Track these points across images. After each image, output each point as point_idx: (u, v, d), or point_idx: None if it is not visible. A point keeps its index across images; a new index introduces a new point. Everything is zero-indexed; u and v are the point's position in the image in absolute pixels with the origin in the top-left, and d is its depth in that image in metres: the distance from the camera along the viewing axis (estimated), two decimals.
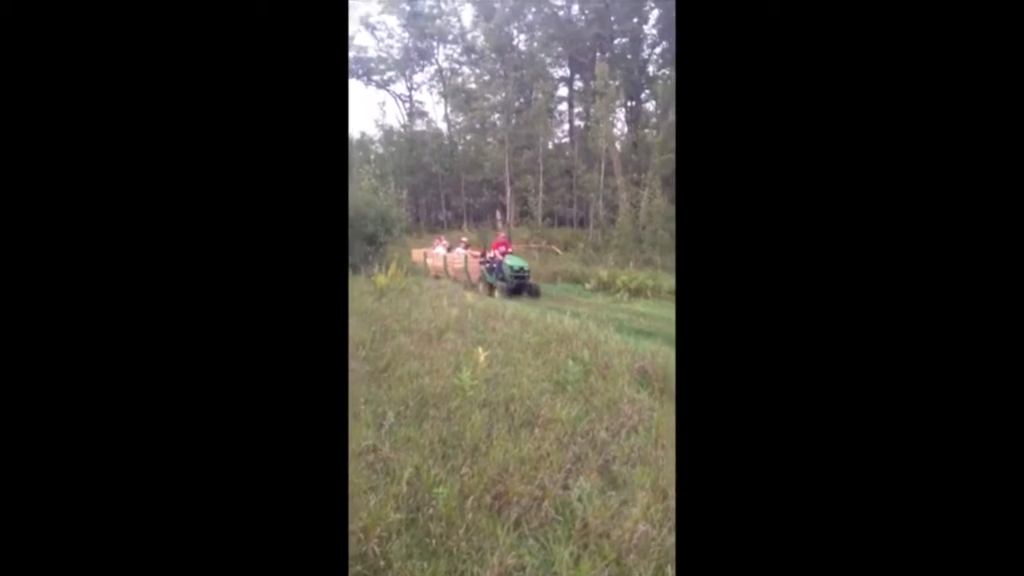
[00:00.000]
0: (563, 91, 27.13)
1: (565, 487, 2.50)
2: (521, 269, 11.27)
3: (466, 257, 12.85)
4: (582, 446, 2.93)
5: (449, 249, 14.54)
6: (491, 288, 11.45)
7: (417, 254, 15.15)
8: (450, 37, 28.07)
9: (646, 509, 2.26)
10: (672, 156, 17.99)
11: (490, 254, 12.37)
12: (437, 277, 13.17)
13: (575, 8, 24.72)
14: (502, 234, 13.31)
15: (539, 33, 25.36)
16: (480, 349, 4.30)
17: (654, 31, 25.06)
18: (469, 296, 8.16)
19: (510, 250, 12.42)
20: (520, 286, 11.13)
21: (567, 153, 24.08)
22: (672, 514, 2.29)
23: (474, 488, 2.36)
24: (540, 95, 22.64)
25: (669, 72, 23.82)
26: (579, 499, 2.35)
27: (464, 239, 15.21)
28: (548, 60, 25.90)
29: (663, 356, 4.72)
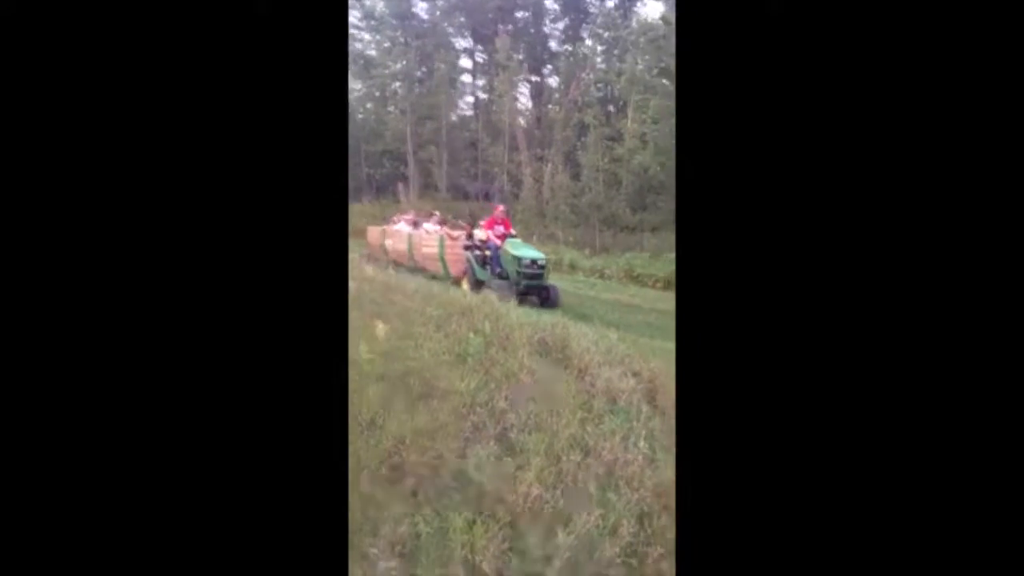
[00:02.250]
0: (466, 62, 26.82)
1: (462, 456, 2.52)
2: (534, 262, 7.38)
3: (441, 239, 8.93)
4: (480, 416, 2.96)
5: (415, 225, 10.48)
6: (478, 285, 7.75)
7: (374, 234, 11.16)
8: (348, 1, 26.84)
9: (539, 472, 2.33)
10: (571, 133, 18.36)
11: (480, 235, 8.57)
12: (399, 265, 9.56)
13: None
14: (499, 207, 8.76)
15: (440, 2, 24.84)
16: (379, 323, 4.23)
17: (556, 6, 25.21)
18: (369, 269, 7.94)
19: (512, 233, 8.40)
20: (532, 288, 7.37)
21: (471, 126, 23.93)
22: (564, 476, 2.38)
23: (369, 461, 2.34)
24: (442, 65, 22.24)
25: (571, 48, 24.11)
26: (475, 467, 2.39)
27: (435, 212, 10.87)
28: (450, 30, 25.46)
29: (562, 327, 4.85)
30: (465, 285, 8.01)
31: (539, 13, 25.34)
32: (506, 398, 3.23)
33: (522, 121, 22.59)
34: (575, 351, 4.32)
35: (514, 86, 22.10)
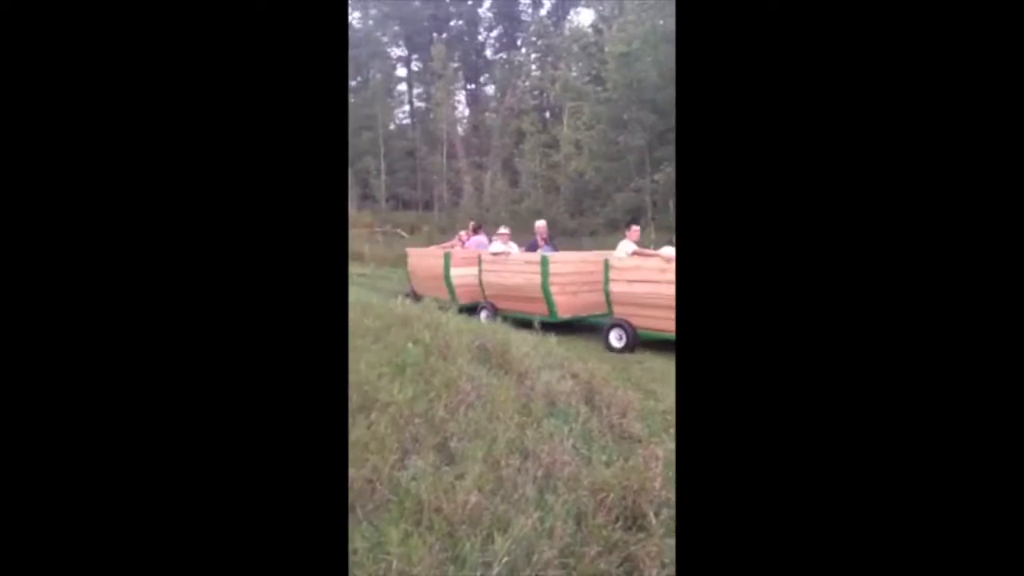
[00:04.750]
0: (401, 71, 26.67)
1: (401, 468, 2.50)
2: None
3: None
4: (419, 426, 2.94)
5: (505, 242, 7.08)
6: None
7: (417, 260, 8.13)
8: None
9: (478, 479, 2.33)
10: (508, 140, 18.50)
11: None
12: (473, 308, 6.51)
13: None
14: None
15: (374, 11, 24.66)
16: None
17: (490, 14, 25.39)
18: None
19: None
20: None
21: (408, 135, 23.78)
22: (504, 482, 2.38)
23: None
24: (378, 74, 22.06)
25: (507, 56, 24.32)
26: (413, 478, 2.37)
27: (541, 224, 7.43)
28: (384, 39, 25.27)
29: (502, 332, 4.87)
30: None
31: (473, 22, 25.49)
32: (445, 407, 3.22)
33: (460, 129, 22.61)
34: (515, 356, 4.34)
35: (451, 94, 22.10)
